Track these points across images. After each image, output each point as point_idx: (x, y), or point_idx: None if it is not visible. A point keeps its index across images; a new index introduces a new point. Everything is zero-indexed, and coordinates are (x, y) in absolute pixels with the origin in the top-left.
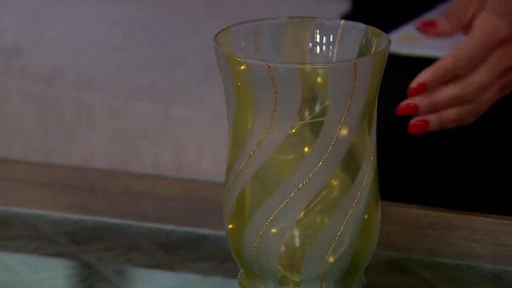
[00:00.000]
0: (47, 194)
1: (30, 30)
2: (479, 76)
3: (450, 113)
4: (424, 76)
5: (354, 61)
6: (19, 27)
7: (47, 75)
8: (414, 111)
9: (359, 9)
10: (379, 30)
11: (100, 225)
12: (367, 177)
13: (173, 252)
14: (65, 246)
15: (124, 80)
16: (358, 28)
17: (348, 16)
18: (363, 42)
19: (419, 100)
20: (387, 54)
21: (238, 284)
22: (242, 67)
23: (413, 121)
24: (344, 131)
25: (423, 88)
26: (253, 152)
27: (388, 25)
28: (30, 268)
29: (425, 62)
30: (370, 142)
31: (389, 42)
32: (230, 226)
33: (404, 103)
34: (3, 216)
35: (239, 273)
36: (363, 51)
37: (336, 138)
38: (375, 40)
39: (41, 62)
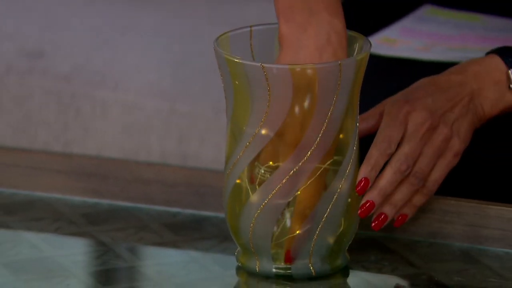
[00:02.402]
0: (66, 180)
1: (51, 34)
2: (403, 148)
3: (399, 196)
4: (363, 172)
5: (339, 62)
6: (41, 32)
7: (66, 74)
8: (373, 207)
9: (347, 12)
10: (361, 34)
11: (113, 208)
12: (351, 165)
13: (178, 232)
14: (83, 227)
15: (134, 78)
16: None
17: None
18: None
19: (370, 196)
20: (368, 56)
21: (236, 260)
22: (239, 68)
23: (373, 223)
24: (330, 125)
25: (367, 182)
26: (249, 143)
27: (373, 25)
28: (52, 246)
29: (403, 61)
30: (353, 134)
31: (370, 45)
32: (229, 209)
33: (362, 205)
34: (28, 200)
35: (237, 251)
36: (347, 53)
37: (322, 131)
38: (358, 43)
39: (60, 63)
